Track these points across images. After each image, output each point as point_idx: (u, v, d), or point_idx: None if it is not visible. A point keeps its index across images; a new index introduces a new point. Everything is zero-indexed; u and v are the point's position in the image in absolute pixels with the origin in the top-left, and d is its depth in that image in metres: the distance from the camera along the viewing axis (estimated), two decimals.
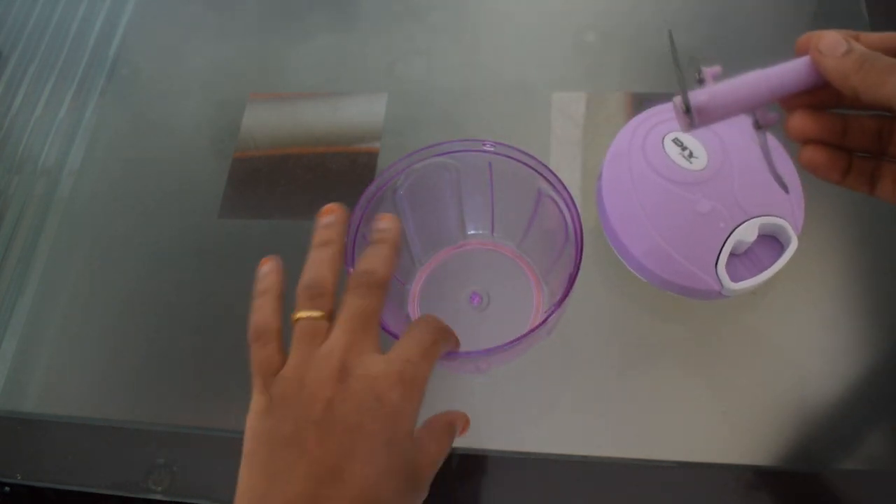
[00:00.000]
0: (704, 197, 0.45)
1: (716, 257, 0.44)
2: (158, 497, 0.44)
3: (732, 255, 0.44)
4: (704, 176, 0.45)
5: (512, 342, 0.37)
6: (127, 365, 0.51)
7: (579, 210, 0.41)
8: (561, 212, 0.42)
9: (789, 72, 0.30)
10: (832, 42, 0.28)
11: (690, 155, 0.46)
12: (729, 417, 0.44)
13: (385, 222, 0.35)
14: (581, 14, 0.62)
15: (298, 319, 0.32)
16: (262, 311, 0.33)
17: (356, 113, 0.59)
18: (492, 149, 0.43)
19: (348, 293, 0.32)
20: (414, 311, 0.48)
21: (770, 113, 0.32)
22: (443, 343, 0.33)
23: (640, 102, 0.55)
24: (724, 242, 0.44)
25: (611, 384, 0.46)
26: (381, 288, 0.32)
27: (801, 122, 0.31)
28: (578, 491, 0.42)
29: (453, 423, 0.34)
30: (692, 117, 0.32)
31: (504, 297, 0.48)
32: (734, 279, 0.43)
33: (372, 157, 0.57)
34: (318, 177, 0.57)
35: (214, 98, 0.62)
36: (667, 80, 0.56)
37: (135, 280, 0.54)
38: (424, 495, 0.30)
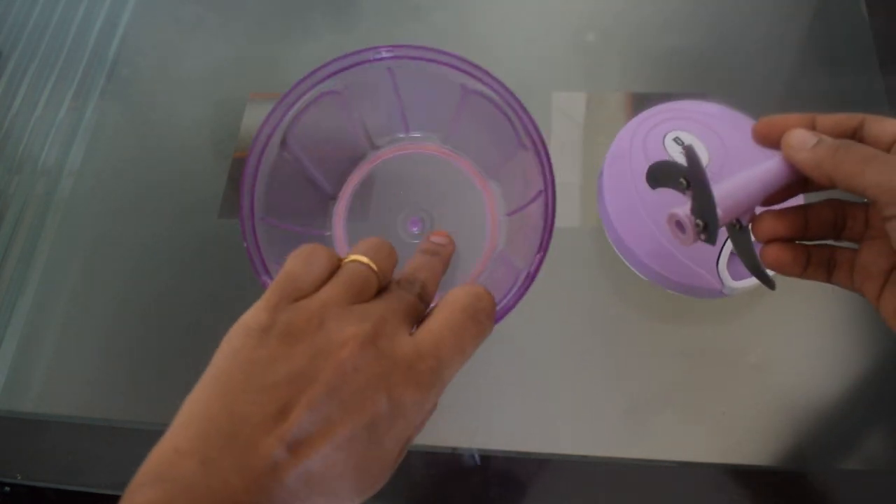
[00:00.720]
0: None
1: (717, 256, 0.44)
2: None
3: (733, 253, 0.44)
4: None
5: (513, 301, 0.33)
6: (127, 365, 0.51)
7: (532, 117, 0.35)
8: (504, 113, 0.36)
9: (772, 171, 0.31)
10: (800, 137, 0.29)
11: None
12: (729, 417, 0.44)
13: (441, 238, 0.32)
14: (581, 14, 0.62)
15: (354, 261, 0.28)
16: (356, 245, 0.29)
17: None
18: (389, 54, 0.36)
19: (395, 287, 0.29)
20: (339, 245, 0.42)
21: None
22: (486, 334, 0.28)
23: (641, 102, 0.55)
24: (726, 241, 0.44)
25: (611, 383, 0.46)
26: (428, 300, 0.29)
27: (769, 223, 0.32)
28: (578, 491, 0.42)
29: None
30: (710, 235, 0.31)
31: (448, 211, 0.40)
32: (735, 278, 0.43)
33: None
34: None
35: (214, 98, 0.62)
36: (667, 80, 0.56)
37: (134, 280, 0.54)
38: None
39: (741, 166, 0.46)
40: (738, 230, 0.32)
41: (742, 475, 0.42)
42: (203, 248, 0.55)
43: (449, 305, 0.27)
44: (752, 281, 0.43)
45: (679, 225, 0.32)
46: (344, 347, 0.24)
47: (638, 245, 0.45)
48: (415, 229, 0.40)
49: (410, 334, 0.26)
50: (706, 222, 0.31)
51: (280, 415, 0.23)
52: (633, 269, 0.47)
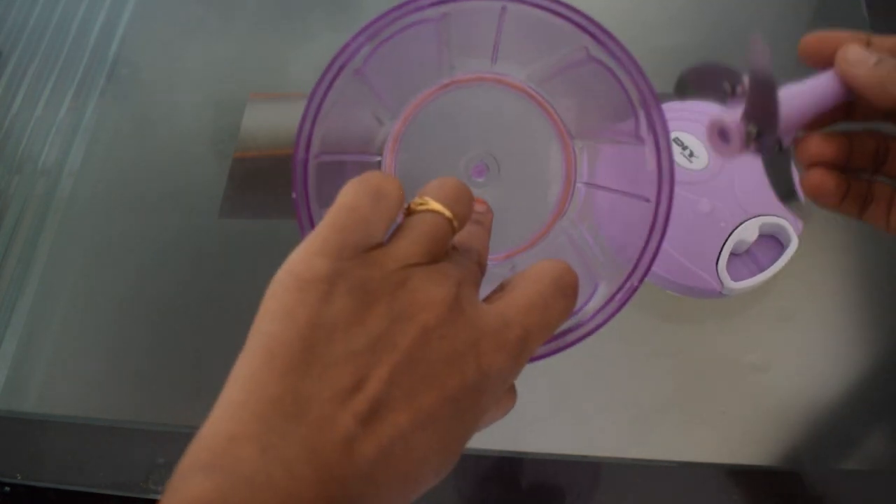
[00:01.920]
0: (705, 196, 0.45)
1: (716, 257, 0.44)
2: (158, 497, 0.44)
3: (733, 254, 0.44)
4: (705, 176, 0.45)
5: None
6: (127, 365, 0.51)
7: (662, 111, 0.32)
8: (629, 97, 0.32)
9: (821, 87, 0.29)
10: (860, 53, 0.27)
11: (691, 154, 0.46)
12: (728, 417, 0.44)
13: (482, 206, 0.29)
14: None
15: (432, 211, 0.24)
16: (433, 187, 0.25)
17: None
18: None
19: (455, 253, 0.25)
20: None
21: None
22: (570, 313, 0.25)
23: None
24: (725, 242, 0.44)
25: (610, 383, 0.46)
26: (483, 270, 0.26)
27: (818, 145, 0.29)
28: (578, 491, 0.42)
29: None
30: (764, 145, 0.29)
31: (519, 162, 0.35)
32: (734, 278, 0.43)
33: None
34: None
35: (214, 98, 0.62)
36: (667, 80, 0.56)
37: (135, 280, 0.54)
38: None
39: (742, 166, 0.46)
40: (777, 151, 0.29)
41: (742, 475, 0.42)
42: (203, 247, 0.55)
43: (537, 276, 0.24)
44: (752, 281, 0.43)
45: (723, 134, 0.29)
46: (429, 310, 0.21)
47: None
48: (479, 178, 0.35)
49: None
50: (761, 129, 0.28)
51: (355, 389, 0.20)
52: None
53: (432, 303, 0.21)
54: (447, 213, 0.24)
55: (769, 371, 0.45)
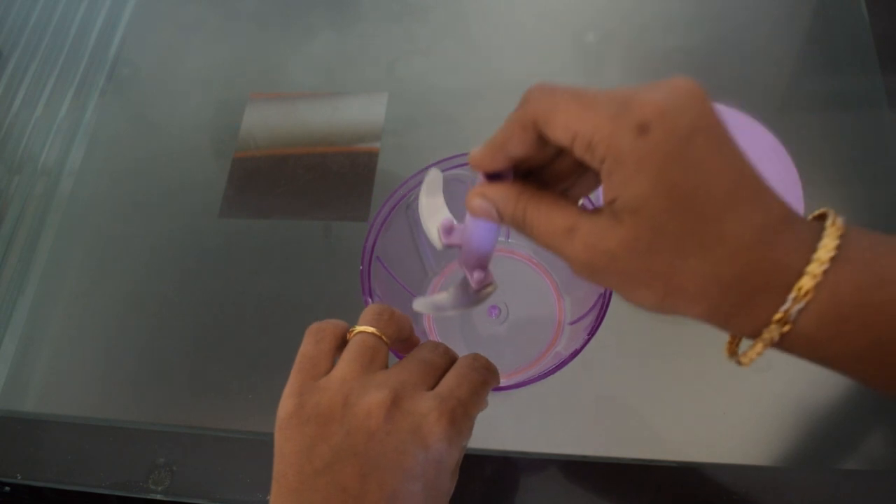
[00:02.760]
0: None
1: None
2: (158, 497, 0.44)
3: None
4: None
5: (540, 376, 0.38)
6: (127, 365, 0.51)
7: None
8: None
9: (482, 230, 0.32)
10: (482, 206, 0.29)
11: None
12: (729, 417, 0.44)
13: (479, 361, 0.33)
14: (581, 14, 0.62)
15: (360, 332, 0.30)
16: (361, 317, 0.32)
17: (356, 113, 0.59)
18: None
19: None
20: (430, 325, 0.48)
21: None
22: (492, 384, 0.31)
23: None
24: None
25: (611, 384, 0.46)
26: (449, 356, 0.32)
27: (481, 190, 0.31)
28: (578, 491, 0.42)
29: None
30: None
31: (523, 308, 0.47)
32: None
33: (372, 157, 0.57)
34: (318, 177, 0.57)
35: (214, 98, 0.62)
36: None
37: (135, 280, 0.54)
38: None
39: None
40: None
41: (742, 475, 0.42)
42: (203, 247, 0.55)
43: (458, 364, 0.30)
44: None
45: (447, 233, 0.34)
46: (371, 416, 0.27)
47: None
48: (493, 315, 0.47)
49: (429, 388, 0.29)
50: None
51: (342, 491, 0.26)
52: None
53: (370, 410, 0.27)
54: (370, 329, 0.30)
55: (769, 371, 0.45)
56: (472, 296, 0.34)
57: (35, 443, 0.48)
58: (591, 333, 0.38)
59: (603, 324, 0.48)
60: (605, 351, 0.47)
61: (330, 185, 0.56)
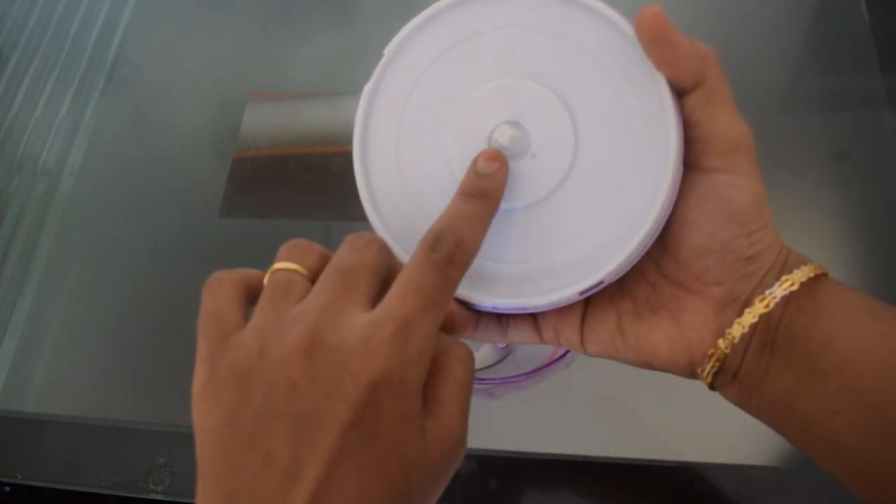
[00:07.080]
0: None
1: None
2: (158, 497, 0.44)
3: None
4: None
5: (531, 372, 0.37)
6: (127, 365, 0.51)
7: None
8: None
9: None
10: None
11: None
12: (729, 417, 0.44)
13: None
14: None
15: (274, 271, 0.25)
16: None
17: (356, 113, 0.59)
18: None
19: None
20: None
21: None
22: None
23: None
24: None
25: (611, 384, 0.46)
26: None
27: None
28: (578, 491, 0.42)
29: (464, 355, 0.24)
30: None
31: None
32: None
33: None
34: (318, 177, 0.57)
35: (214, 98, 0.62)
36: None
37: (135, 280, 0.54)
38: (443, 486, 0.24)
39: None
40: None
41: (742, 475, 0.42)
42: (203, 247, 0.55)
43: (405, 267, 0.24)
44: None
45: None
46: (290, 364, 0.21)
47: None
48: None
49: (365, 308, 0.23)
50: None
51: (267, 466, 0.21)
52: None
53: (288, 357, 0.22)
54: (283, 265, 0.25)
55: None
56: (503, 350, 0.34)
57: (35, 443, 0.48)
58: None
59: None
60: None
61: (330, 185, 0.56)
